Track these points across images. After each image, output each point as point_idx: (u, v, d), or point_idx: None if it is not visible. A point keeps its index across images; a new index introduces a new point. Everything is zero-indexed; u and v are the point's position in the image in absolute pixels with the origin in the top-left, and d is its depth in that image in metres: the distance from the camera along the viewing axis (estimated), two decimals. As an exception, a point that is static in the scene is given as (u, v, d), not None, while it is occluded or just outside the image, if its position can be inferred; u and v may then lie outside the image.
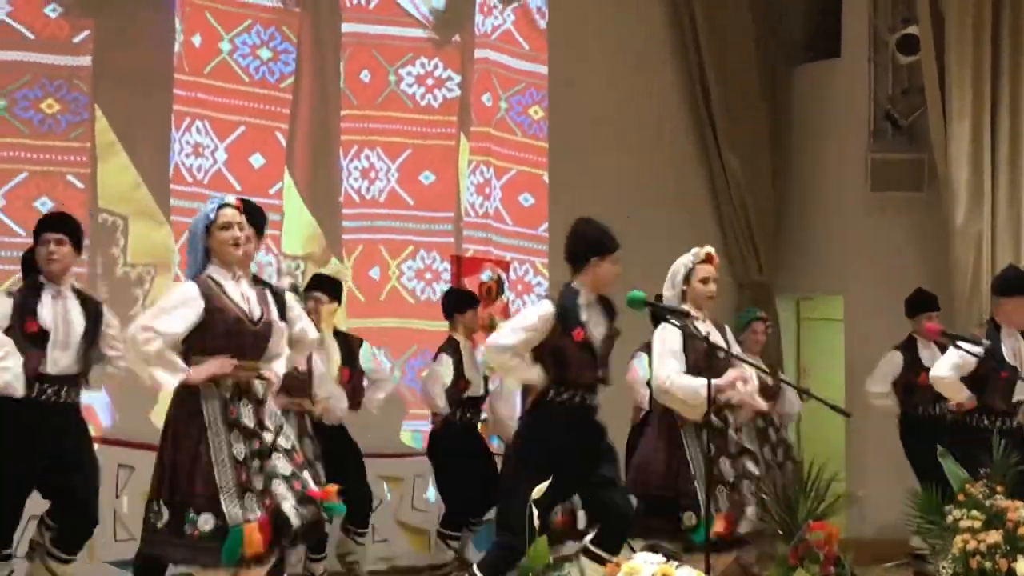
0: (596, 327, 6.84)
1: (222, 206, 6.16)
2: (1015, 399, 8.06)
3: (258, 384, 6.10)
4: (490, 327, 9.40)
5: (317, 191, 10.55)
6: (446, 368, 9.37)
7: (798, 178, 12.66)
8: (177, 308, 5.97)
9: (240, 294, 6.14)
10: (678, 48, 12.43)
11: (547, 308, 6.79)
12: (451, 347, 9.47)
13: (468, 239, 11.04)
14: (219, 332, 6.02)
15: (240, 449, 5.88)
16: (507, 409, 9.35)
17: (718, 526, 6.82)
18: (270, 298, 6.29)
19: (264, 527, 5.80)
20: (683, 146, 12.47)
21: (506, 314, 10.40)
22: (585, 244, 6.86)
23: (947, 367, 7.99)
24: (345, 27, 10.74)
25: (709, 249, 7.33)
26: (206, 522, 5.77)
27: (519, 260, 11.32)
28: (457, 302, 9.70)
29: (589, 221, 6.96)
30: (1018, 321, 8.05)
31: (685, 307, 7.11)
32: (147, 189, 9.68)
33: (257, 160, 10.28)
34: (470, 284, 10.50)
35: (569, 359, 6.72)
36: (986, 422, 7.98)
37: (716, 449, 6.89)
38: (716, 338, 7.06)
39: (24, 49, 9.42)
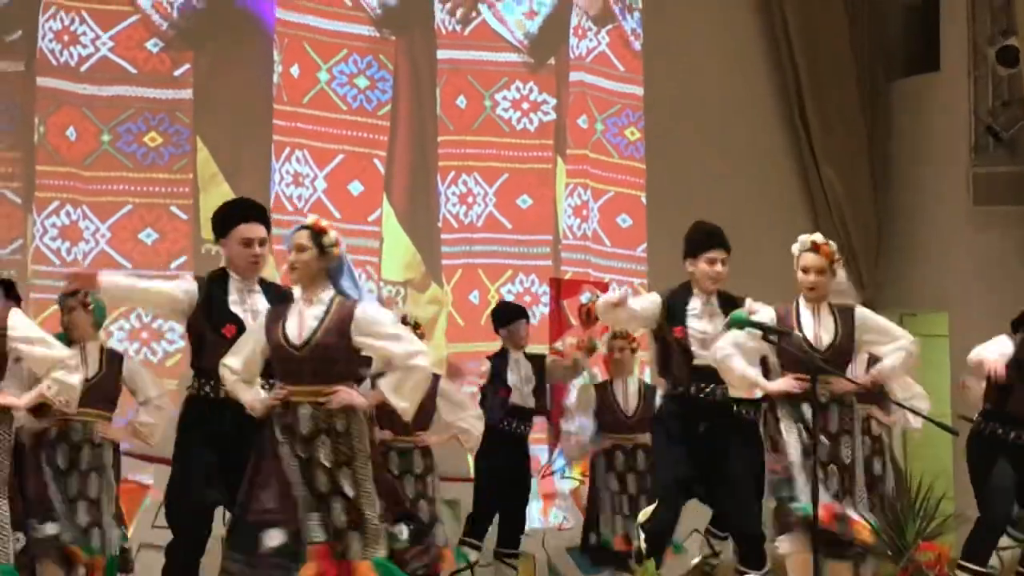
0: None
1: None
2: None
3: None
4: (590, 349, 9.36)
5: (416, 217, 10.61)
6: (484, 367, 9.20)
7: (898, 193, 12.54)
8: None
9: None
10: (774, 64, 12.37)
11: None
12: (499, 355, 9.23)
13: (566, 261, 11.05)
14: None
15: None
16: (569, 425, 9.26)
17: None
18: None
19: None
20: (781, 162, 12.39)
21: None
22: (685, 245, 7.11)
23: None
24: (440, 54, 10.80)
25: (816, 237, 7.13)
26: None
27: (618, 281, 11.29)
28: (502, 315, 9.43)
29: (696, 223, 7.17)
30: None
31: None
32: (249, 219, 9.78)
33: (356, 188, 10.37)
34: (569, 307, 10.49)
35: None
36: None
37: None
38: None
39: (126, 83, 9.59)
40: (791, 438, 6.51)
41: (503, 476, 9.00)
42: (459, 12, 10.89)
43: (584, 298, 10.44)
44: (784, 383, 6.58)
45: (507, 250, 10.90)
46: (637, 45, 11.62)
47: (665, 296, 7.04)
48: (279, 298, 6.12)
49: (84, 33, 9.47)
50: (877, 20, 12.61)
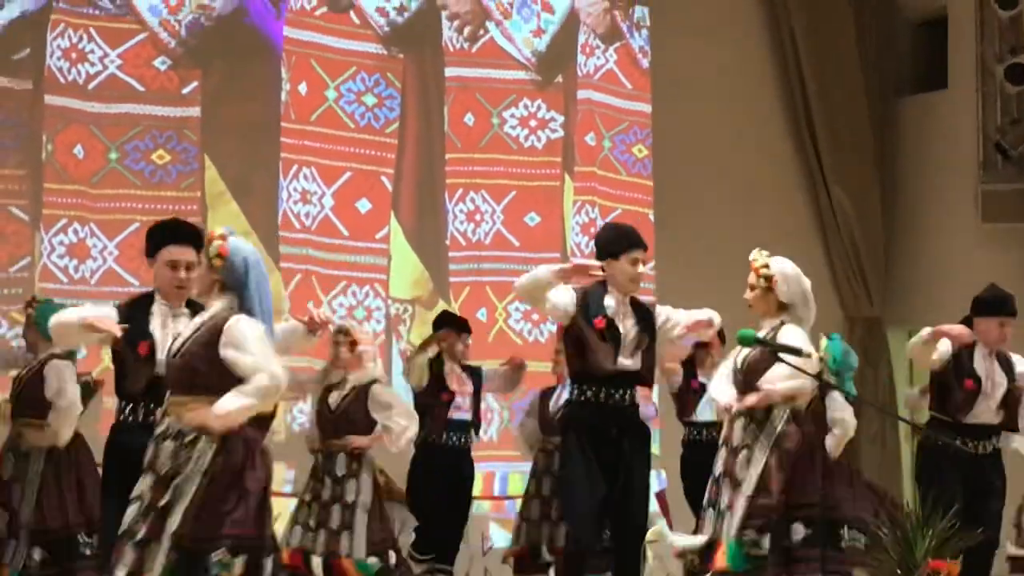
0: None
1: None
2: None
3: None
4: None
5: (423, 235, 10.61)
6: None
7: (907, 210, 12.52)
8: None
9: None
10: (782, 82, 12.36)
11: None
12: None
13: (575, 279, 11.02)
14: None
15: None
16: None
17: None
18: None
19: None
20: (789, 180, 12.38)
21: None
22: (603, 246, 7.00)
23: None
24: (448, 71, 10.81)
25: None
26: None
27: (626, 299, 11.29)
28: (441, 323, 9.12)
29: (610, 224, 7.17)
30: (989, 341, 7.87)
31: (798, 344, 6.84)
32: (257, 236, 9.80)
33: (364, 205, 10.37)
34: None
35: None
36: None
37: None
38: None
39: (134, 101, 9.62)
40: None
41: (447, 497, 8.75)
42: (467, 30, 10.90)
43: None
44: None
45: (515, 268, 10.87)
46: (645, 63, 11.62)
47: (579, 291, 6.93)
48: None
49: (92, 51, 9.49)
50: (885, 38, 12.60)
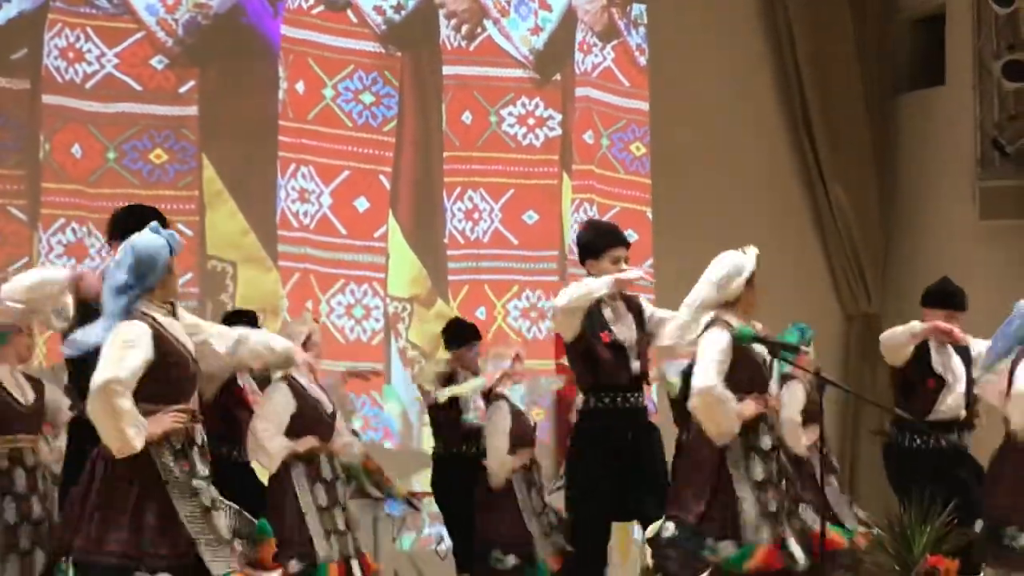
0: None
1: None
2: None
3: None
4: None
5: (421, 233, 10.61)
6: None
7: (905, 207, 12.52)
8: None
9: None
10: (780, 79, 12.37)
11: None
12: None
13: (573, 277, 11.00)
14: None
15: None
16: None
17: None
18: None
19: None
20: (787, 177, 12.39)
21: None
22: (578, 247, 6.92)
23: None
24: (446, 69, 10.81)
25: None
26: None
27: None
28: (450, 338, 8.90)
29: (589, 223, 7.01)
30: None
31: (732, 318, 6.47)
32: (255, 236, 9.80)
33: (362, 204, 10.37)
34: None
35: None
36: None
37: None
38: None
39: (132, 100, 9.60)
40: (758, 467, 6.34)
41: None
42: (464, 28, 10.89)
43: None
44: (755, 405, 6.35)
45: (513, 266, 10.90)
46: (642, 60, 11.62)
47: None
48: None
49: (89, 50, 9.49)
50: (883, 35, 12.60)
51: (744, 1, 12.24)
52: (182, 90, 9.73)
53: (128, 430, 5.07)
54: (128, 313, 5.22)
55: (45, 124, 9.36)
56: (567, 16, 11.26)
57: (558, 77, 11.22)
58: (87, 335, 5.23)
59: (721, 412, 6.15)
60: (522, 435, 8.32)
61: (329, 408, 7.21)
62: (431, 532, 9.86)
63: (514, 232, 10.90)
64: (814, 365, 6.92)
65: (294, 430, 6.96)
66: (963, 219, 11.90)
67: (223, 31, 9.89)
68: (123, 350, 5.13)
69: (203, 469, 5.32)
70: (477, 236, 10.82)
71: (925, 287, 8.12)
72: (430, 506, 9.26)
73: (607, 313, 6.81)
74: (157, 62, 9.68)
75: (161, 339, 5.25)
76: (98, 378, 5.06)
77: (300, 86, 10.15)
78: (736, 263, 6.42)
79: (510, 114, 10.99)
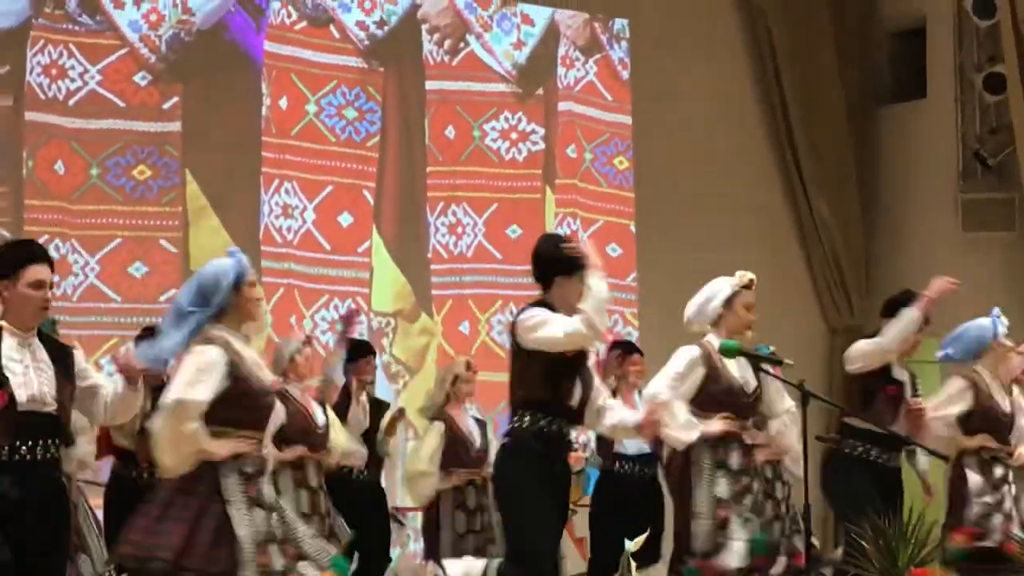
0: None
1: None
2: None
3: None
4: None
5: (405, 248, 10.62)
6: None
7: (887, 220, 12.56)
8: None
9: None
10: (762, 92, 12.40)
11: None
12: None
13: (557, 291, 11.03)
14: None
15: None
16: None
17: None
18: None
19: None
20: (770, 191, 12.42)
21: (598, 366, 10.34)
22: (545, 263, 6.36)
23: None
24: (429, 84, 10.82)
25: (751, 275, 6.78)
26: None
27: (608, 311, 11.29)
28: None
29: (549, 237, 6.64)
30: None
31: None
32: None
33: (345, 219, 10.37)
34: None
35: None
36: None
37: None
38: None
39: (115, 117, 9.60)
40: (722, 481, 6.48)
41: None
42: (447, 43, 10.91)
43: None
44: (721, 424, 6.51)
45: (497, 280, 10.90)
46: (625, 74, 11.65)
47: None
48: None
49: (72, 67, 9.48)
50: (864, 48, 12.65)
51: (726, 15, 12.28)
52: (165, 106, 9.73)
53: (184, 452, 5.08)
54: (195, 335, 5.18)
55: (28, 141, 9.36)
56: (549, 31, 11.29)
57: (541, 91, 11.25)
58: (158, 350, 5.23)
59: (669, 418, 6.35)
60: (459, 456, 8.11)
61: (321, 420, 7.30)
62: (415, 548, 9.86)
63: (497, 246, 10.91)
64: (797, 378, 6.91)
65: (283, 438, 6.98)
66: (945, 231, 11.94)
67: (206, 47, 9.90)
68: (198, 373, 5.11)
69: (271, 497, 5.24)
70: (461, 251, 10.82)
71: (887, 298, 8.19)
72: (414, 521, 9.25)
73: None
74: (140, 78, 9.68)
75: (235, 365, 5.17)
76: (170, 398, 5.07)
77: (283, 102, 10.16)
78: (713, 287, 6.70)
79: (493, 128, 11.01)
